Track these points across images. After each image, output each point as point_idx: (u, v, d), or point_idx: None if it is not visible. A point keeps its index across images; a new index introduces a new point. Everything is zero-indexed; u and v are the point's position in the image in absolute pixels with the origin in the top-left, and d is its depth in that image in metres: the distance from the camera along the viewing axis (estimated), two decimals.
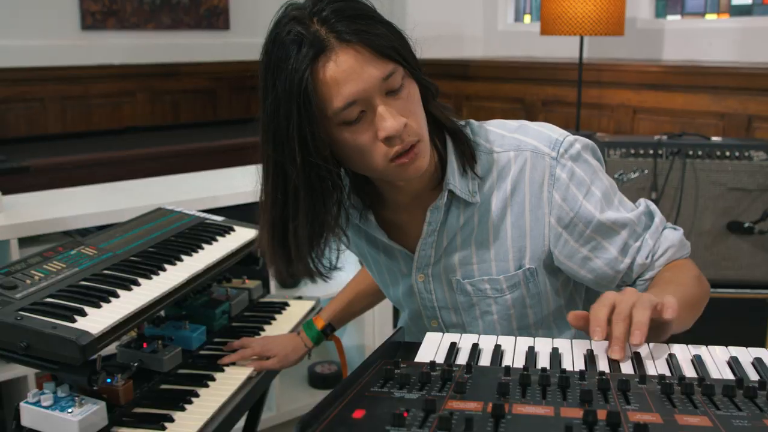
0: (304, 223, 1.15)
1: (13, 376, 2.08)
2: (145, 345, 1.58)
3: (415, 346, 0.95)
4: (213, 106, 5.15)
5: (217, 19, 5.02)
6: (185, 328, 1.70)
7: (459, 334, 0.98)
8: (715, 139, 2.97)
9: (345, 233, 1.28)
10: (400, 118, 1.07)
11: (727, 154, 2.82)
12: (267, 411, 2.57)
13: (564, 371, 0.78)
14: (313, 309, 1.99)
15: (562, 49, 4.13)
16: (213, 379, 1.56)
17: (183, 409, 1.44)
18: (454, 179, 1.22)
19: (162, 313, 1.76)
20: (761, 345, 2.88)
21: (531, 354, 0.91)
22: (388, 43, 1.07)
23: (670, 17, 3.99)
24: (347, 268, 2.80)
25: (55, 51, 4.51)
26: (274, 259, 1.23)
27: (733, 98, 3.33)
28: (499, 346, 0.94)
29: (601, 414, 0.64)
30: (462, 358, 0.91)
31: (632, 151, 2.87)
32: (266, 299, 2.03)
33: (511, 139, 1.24)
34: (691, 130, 3.32)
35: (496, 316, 1.30)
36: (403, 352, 0.92)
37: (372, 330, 2.86)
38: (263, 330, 1.82)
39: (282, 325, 1.87)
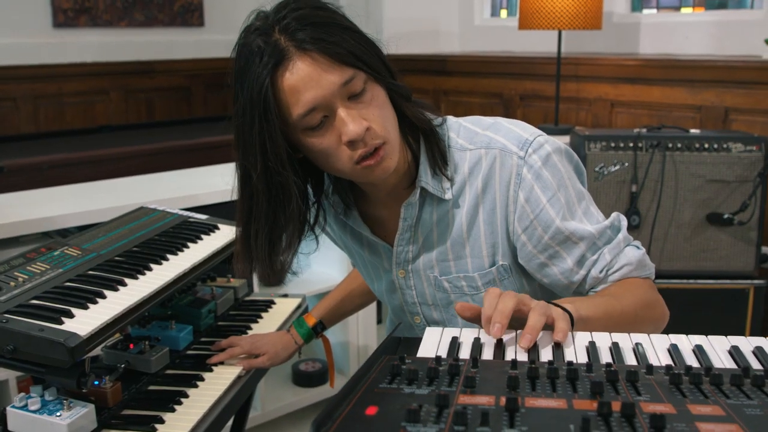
0: (263, 227, 1.19)
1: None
2: (131, 346, 1.55)
3: (416, 342, 0.94)
4: (188, 103, 5.11)
5: (191, 15, 4.98)
6: (172, 328, 1.67)
7: (459, 329, 0.98)
8: (693, 131, 3.00)
9: (314, 232, 1.32)
10: (362, 122, 1.10)
11: (706, 146, 2.85)
12: (252, 410, 2.55)
13: (571, 363, 0.78)
14: (299, 307, 1.98)
15: (539, 43, 4.14)
16: (202, 379, 1.54)
17: (173, 410, 1.42)
18: (427, 176, 1.23)
19: (147, 313, 1.74)
20: (741, 334, 2.91)
21: (534, 347, 0.91)
22: (346, 49, 1.09)
23: (646, 11, 4.02)
24: (334, 267, 2.79)
25: (27, 49, 4.44)
26: (237, 257, 1.28)
27: (710, 91, 3.36)
28: (501, 339, 0.94)
29: (615, 405, 0.64)
30: (465, 353, 0.90)
31: (612, 145, 2.89)
32: (251, 297, 2.01)
33: (482, 137, 1.25)
34: (669, 123, 3.35)
35: None
36: (404, 348, 0.91)
37: (356, 328, 2.85)
38: (250, 329, 1.81)
39: (269, 323, 1.85)
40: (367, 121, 1.11)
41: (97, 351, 1.61)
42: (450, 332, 0.97)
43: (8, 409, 1.30)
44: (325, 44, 1.07)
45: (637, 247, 1.28)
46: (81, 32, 4.65)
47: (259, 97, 1.08)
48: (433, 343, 0.93)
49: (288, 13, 1.09)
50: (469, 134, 1.26)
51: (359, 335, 2.86)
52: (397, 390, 0.70)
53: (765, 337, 0.91)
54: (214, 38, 4.98)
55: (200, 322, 1.76)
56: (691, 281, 2.90)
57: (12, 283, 1.37)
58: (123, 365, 1.48)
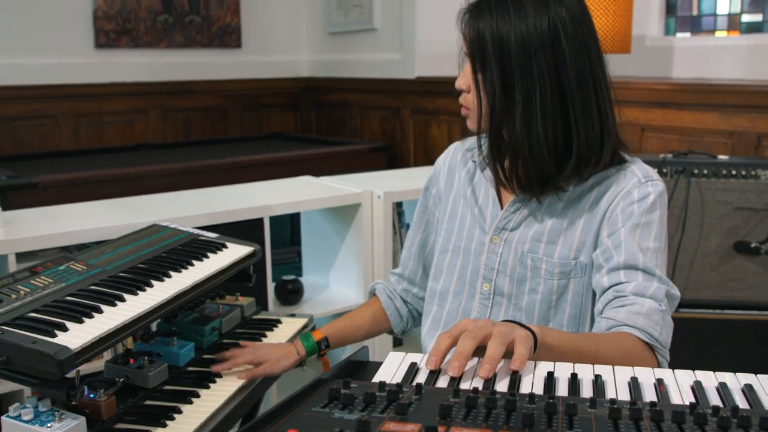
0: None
1: (9, 389, 2.09)
2: (131, 361, 1.58)
3: (377, 366, 0.94)
4: (224, 123, 5.19)
5: (229, 37, 5.07)
6: (173, 344, 1.70)
7: (421, 355, 0.98)
8: (721, 157, 2.94)
9: None
10: (460, 81, 1.49)
11: (734, 172, 2.79)
12: None
13: (513, 394, 0.77)
14: (305, 327, 1.99)
15: None
16: (197, 396, 1.56)
17: (164, 425, 1.43)
18: None
19: (154, 328, 1.77)
20: None
21: (491, 377, 0.90)
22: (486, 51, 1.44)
23: (679, 35, 3.97)
24: (351, 288, 2.80)
25: (69, 69, 4.58)
26: None
27: (743, 116, 3.30)
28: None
29: None
30: (420, 379, 0.90)
31: None
32: (260, 316, 2.03)
33: (623, 162, 1.43)
34: (700, 149, 3.29)
35: (539, 296, 1.42)
36: (363, 372, 0.91)
37: (372, 350, 2.84)
38: None
39: (272, 342, 1.86)
40: (465, 86, 1.46)
41: (101, 366, 1.65)
42: (411, 357, 0.96)
43: (3, 418, 1.33)
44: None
45: (661, 306, 1.26)
46: (122, 53, 4.77)
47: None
48: (392, 368, 0.93)
49: None
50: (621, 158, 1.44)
51: (375, 351, 2.85)
52: (327, 415, 0.70)
53: None
54: (251, 59, 5.07)
55: (203, 338, 1.78)
56: (717, 311, 2.84)
57: (13, 296, 1.41)
58: (122, 379, 1.51)
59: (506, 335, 0.95)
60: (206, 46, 5.01)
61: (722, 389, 0.85)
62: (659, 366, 1.21)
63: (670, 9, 3.98)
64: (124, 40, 4.76)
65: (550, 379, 0.88)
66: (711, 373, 0.90)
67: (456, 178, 1.63)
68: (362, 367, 0.93)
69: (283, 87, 5.07)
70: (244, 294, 2.06)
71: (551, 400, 0.74)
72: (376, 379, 0.89)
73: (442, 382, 0.89)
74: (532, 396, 0.77)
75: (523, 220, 1.46)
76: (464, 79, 1.46)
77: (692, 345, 2.82)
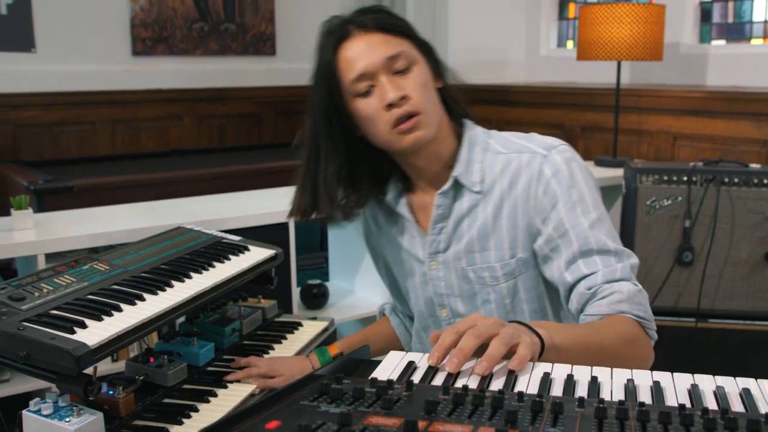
0: (331, 168, 1.43)
1: (37, 387, 2.14)
2: (152, 360, 1.60)
3: (374, 364, 0.95)
4: (258, 130, 5.25)
5: (263, 45, 5.14)
6: (194, 344, 1.72)
7: (421, 354, 0.98)
8: (753, 166, 2.90)
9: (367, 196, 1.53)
10: (399, 90, 1.31)
11: (765, 181, 2.75)
12: None
13: (501, 392, 0.77)
14: (326, 330, 2.00)
15: (604, 74, 4.09)
16: (215, 395, 1.57)
17: (180, 423, 1.45)
18: (462, 169, 1.40)
19: (177, 328, 1.80)
20: None
21: (486, 375, 0.90)
22: (398, 26, 1.35)
23: (714, 42, 3.92)
24: (376, 292, 2.80)
25: (107, 76, 4.68)
26: (302, 201, 1.50)
27: None
28: None
29: None
30: (417, 377, 0.90)
31: (665, 178, 2.83)
32: (281, 319, 2.05)
33: (516, 144, 1.41)
34: (732, 157, 3.25)
35: (494, 305, 1.42)
36: (362, 370, 0.92)
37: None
38: (272, 349, 1.84)
39: (292, 344, 1.88)
40: (405, 91, 1.31)
41: (121, 366, 1.68)
42: (410, 356, 0.97)
43: (24, 413, 1.37)
44: (382, 22, 1.33)
45: (635, 284, 1.28)
46: (158, 60, 4.86)
47: (326, 67, 1.34)
48: (390, 366, 0.93)
49: (356, 12, 1.37)
50: (506, 142, 1.42)
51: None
52: (314, 408, 0.72)
53: None
54: (285, 67, 5.12)
55: (223, 339, 1.80)
56: (747, 322, 2.79)
57: (36, 294, 1.45)
58: (141, 377, 1.54)
59: (511, 337, 0.95)
60: (241, 54, 5.08)
61: (719, 393, 0.85)
62: (651, 340, 1.26)
63: (705, 16, 3.93)
64: (161, 48, 4.85)
65: (545, 380, 0.88)
66: (710, 377, 0.90)
67: (382, 225, 1.62)
68: (361, 365, 0.95)
69: None
70: (267, 297, 2.08)
71: (539, 399, 0.74)
72: (373, 376, 0.90)
73: (438, 381, 0.90)
74: (521, 394, 0.77)
75: (451, 238, 1.45)
76: (408, 82, 1.34)
77: (722, 356, 2.78)
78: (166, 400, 1.54)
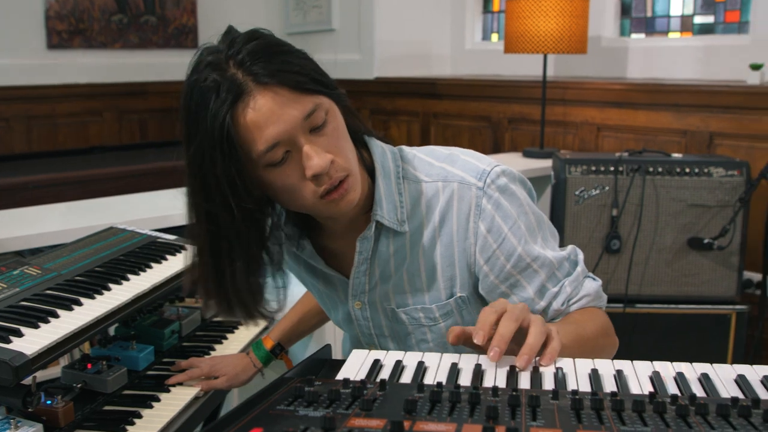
0: (242, 268, 1.16)
1: None
2: (89, 366, 1.55)
3: (341, 364, 0.94)
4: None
5: (185, 38, 5.02)
6: (132, 348, 1.68)
7: (385, 352, 0.98)
8: (675, 155, 3.01)
9: (281, 267, 1.28)
10: (326, 156, 1.07)
11: (687, 170, 2.86)
12: None
13: (477, 387, 0.77)
14: (266, 328, 1.98)
15: (528, 67, 4.16)
16: (158, 400, 1.54)
17: (124, 431, 1.41)
18: (382, 209, 1.21)
19: (111, 332, 1.74)
20: (723, 360, 2.90)
21: (453, 370, 0.91)
22: (306, 77, 1.07)
23: (634, 36, 4.04)
24: (293, 290, 2.77)
25: (21, 70, 4.48)
26: (213, 305, 1.22)
27: (695, 115, 3.37)
28: (422, 362, 0.94)
29: (500, 430, 0.64)
30: (383, 375, 0.90)
31: (593, 168, 2.90)
32: (220, 318, 2.01)
33: (438, 169, 1.25)
34: (654, 147, 3.36)
35: (431, 344, 1.31)
36: (326, 370, 0.91)
37: (333, 344, 2.83)
38: (213, 350, 1.81)
39: (233, 344, 1.85)
40: (331, 153, 1.09)
41: (58, 371, 1.62)
42: (375, 354, 0.97)
43: None
44: (285, 75, 1.05)
45: (594, 279, 1.30)
46: (75, 54, 4.69)
47: (221, 135, 1.03)
48: (355, 366, 0.92)
49: (241, 47, 1.06)
50: (425, 166, 1.26)
51: (335, 351, 2.84)
52: (291, 412, 0.70)
53: (747, 362, 0.90)
54: None
55: (163, 342, 1.76)
56: (672, 306, 2.89)
57: None
58: (79, 385, 1.49)
59: (544, 324, 0.97)
60: (162, 47, 4.95)
61: (680, 379, 0.87)
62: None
63: (624, 10, 4.05)
64: (78, 41, 4.67)
65: (512, 373, 0.89)
66: (668, 363, 0.92)
67: (292, 256, 1.41)
68: (325, 365, 0.93)
69: None
70: None
71: (514, 393, 0.75)
72: (340, 376, 0.89)
73: (406, 378, 0.89)
74: (495, 389, 0.77)
75: (376, 278, 1.29)
76: (329, 140, 1.10)
77: (649, 339, 2.88)
78: (107, 408, 1.50)
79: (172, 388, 1.59)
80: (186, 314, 1.89)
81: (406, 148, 1.29)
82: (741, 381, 0.86)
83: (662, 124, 3.48)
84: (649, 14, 4.00)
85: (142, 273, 1.67)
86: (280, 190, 1.12)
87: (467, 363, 0.93)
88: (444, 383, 0.79)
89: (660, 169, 2.87)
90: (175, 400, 1.55)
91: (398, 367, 0.91)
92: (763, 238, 2.99)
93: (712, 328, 2.89)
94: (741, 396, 0.82)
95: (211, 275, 1.17)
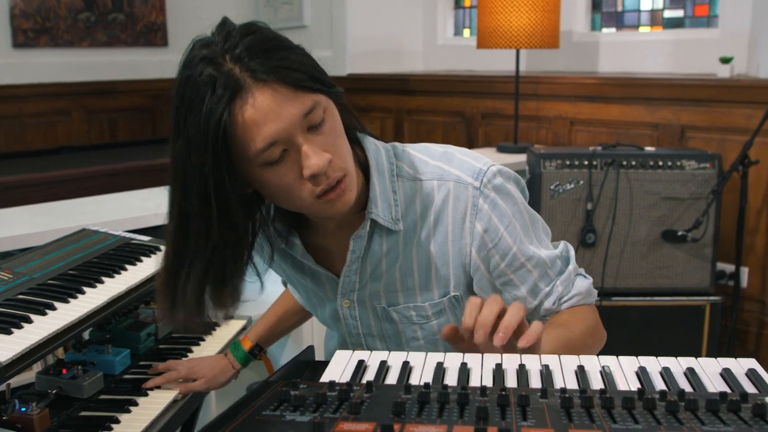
0: (200, 271, 1.11)
1: None
2: (64, 371, 1.52)
3: (324, 366, 0.93)
4: (152, 124, 5.07)
5: (154, 35, 4.96)
6: (108, 352, 1.65)
7: (368, 352, 0.97)
8: (648, 149, 3.03)
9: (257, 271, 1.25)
10: (324, 155, 1.04)
11: (660, 163, 2.88)
12: None
13: (464, 388, 0.77)
14: (244, 329, 1.96)
15: (501, 62, 4.17)
16: (135, 404, 1.51)
17: None
18: (377, 207, 1.19)
19: (86, 336, 1.71)
20: (698, 352, 2.93)
21: (439, 370, 0.90)
22: (306, 75, 1.04)
23: (605, 30, 4.06)
24: (268, 289, 2.75)
25: None
26: (167, 308, 1.19)
27: (666, 109, 3.40)
28: (408, 363, 0.93)
29: (492, 431, 0.63)
30: (368, 377, 0.89)
31: (567, 163, 2.91)
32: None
33: (434, 168, 1.23)
34: (627, 141, 3.38)
35: (422, 341, 1.30)
36: (309, 372, 0.90)
37: (311, 340, 2.82)
38: (191, 351, 1.78)
39: (211, 345, 1.83)
40: (328, 152, 1.05)
41: (32, 376, 1.59)
42: (359, 355, 0.95)
43: None
44: (284, 72, 1.01)
45: (585, 277, 1.30)
46: (41, 52, 4.61)
47: (216, 133, 0.99)
48: (339, 367, 0.91)
49: (238, 41, 1.02)
50: (420, 164, 1.24)
51: (315, 352, 2.83)
52: (278, 417, 0.69)
53: (722, 352, 0.90)
54: (178, 58, 4.94)
55: (139, 345, 1.73)
56: (647, 299, 2.92)
57: None
58: (55, 391, 1.46)
59: (522, 310, 0.98)
60: (131, 45, 4.88)
61: (666, 374, 0.87)
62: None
63: (595, 5, 4.07)
64: (44, 39, 4.59)
65: (498, 371, 0.88)
66: (653, 358, 0.92)
67: (279, 253, 1.37)
68: (309, 367, 0.92)
69: None
70: None
71: (503, 392, 0.74)
72: (325, 378, 0.88)
73: (391, 379, 0.88)
74: (483, 389, 0.76)
75: (366, 277, 1.26)
76: (327, 138, 1.07)
77: (624, 331, 2.90)
78: (84, 413, 1.47)
79: (149, 392, 1.56)
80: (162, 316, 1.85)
81: (399, 145, 1.27)
82: (726, 375, 0.87)
83: (634, 117, 3.51)
84: (619, 9, 4.03)
85: (117, 275, 1.64)
86: (276, 189, 1.09)
87: (453, 362, 0.92)
88: (431, 383, 0.78)
89: (633, 163, 2.89)
90: (153, 404, 1.52)
91: (383, 367, 0.90)
92: (736, 229, 3.03)
93: (686, 320, 2.92)
94: (727, 390, 0.82)
95: (171, 277, 1.15)
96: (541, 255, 1.22)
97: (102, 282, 1.57)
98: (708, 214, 2.80)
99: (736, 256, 3.05)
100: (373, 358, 0.94)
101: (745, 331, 3.27)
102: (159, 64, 4.96)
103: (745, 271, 3.20)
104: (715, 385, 0.85)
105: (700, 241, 2.85)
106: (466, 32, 4.68)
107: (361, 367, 0.90)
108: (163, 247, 1.88)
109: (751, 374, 0.87)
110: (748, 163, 2.90)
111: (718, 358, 0.91)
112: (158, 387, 1.57)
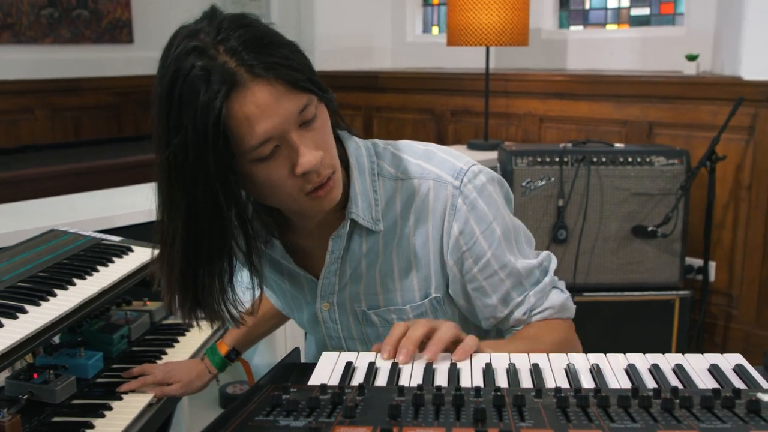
0: (215, 269, 1.10)
1: None
2: (35, 376, 1.49)
3: (310, 368, 0.91)
4: (117, 122, 4.99)
5: (120, 32, 4.88)
6: (80, 355, 1.61)
7: (356, 353, 0.95)
8: (617, 145, 3.06)
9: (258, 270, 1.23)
10: (317, 152, 1.03)
11: (630, 160, 2.91)
12: None
13: (459, 389, 0.76)
14: (217, 330, 1.93)
15: (471, 59, 4.18)
16: (110, 408, 1.48)
17: None
18: (357, 207, 1.17)
19: (56, 340, 1.67)
20: (668, 345, 2.97)
21: (429, 371, 0.89)
22: (302, 74, 1.02)
23: (573, 28, 4.09)
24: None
25: None
26: (184, 308, 1.16)
27: (634, 106, 3.43)
28: (396, 364, 0.92)
29: None
30: (358, 379, 0.87)
31: (538, 159, 2.92)
32: (169, 321, 1.95)
33: (415, 166, 1.20)
34: (596, 137, 3.41)
35: None
36: (296, 375, 0.88)
37: (284, 348, 2.80)
38: (165, 354, 1.75)
39: (185, 347, 1.79)
40: (320, 149, 1.04)
41: (0, 382, 1.54)
42: (346, 357, 0.94)
43: None
44: (282, 70, 0.99)
45: (562, 291, 1.27)
46: (3, 49, 4.51)
47: (215, 128, 0.96)
48: (326, 370, 0.90)
49: (230, 33, 0.98)
50: (400, 163, 1.21)
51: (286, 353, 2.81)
52: (272, 423, 0.67)
53: (690, 346, 0.90)
54: (144, 55, 4.88)
55: (112, 348, 1.70)
56: (618, 294, 2.94)
57: None
58: (26, 396, 1.42)
59: (455, 327, 0.96)
60: (96, 42, 4.80)
61: (655, 371, 0.87)
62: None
63: (562, 3, 4.10)
64: (6, 36, 4.49)
65: (488, 370, 0.88)
66: (642, 355, 0.92)
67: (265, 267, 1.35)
68: (296, 370, 0.90)
69: None
70: (153, 299, 1.98)
71: (498, 393, 0.73)
72: (313, 381, 0.86)
73: (381, 380, 0.87)
74: (477, 389, 0.76)
75: (346, 278, 1.24)
76: (318, 135, 1.06)
77: (595, 326, 2.92)
78: (57, 419, 1.44)
79: (124, 396, 1.53)
80: (135, 318, 1.83)
81: (380, 143, 1.25)
82: (715, 371, 0.87)
83: (603, 114, 3.54)
84: (586, 6, 4.06)
85: (89, 277, 1.61)
86: (263, 185, 1.06)
87: (441, 363, 0.91)
88: (422, 384, 0.77)
89: (604, 159, 2.91)
90: (128, 408, 1.49)
91: (372, 369, 0.89)
92: (704, 224, 3.07)
93: (656, 314, 2.95)
94: (717, 386, 0.82)
95: (181, 275, 1.10)
96: (516, 265, 1.19)
97: (74, 284, 1.54)
98: (677, 209, 2.83)
99: (704, 251, 3.09)
100: (360, 360, 0.92)
101: (713, 325, 3.32)
102: (125, 61, 4.88)
103: (712, 266, 3.25)
104: (704, 381, 0.85)
105: (669, 236, 2.88)
106: (435, 30, 4.68)
107: (349, 369, 0.89)
108: (134, 247, 1.85)
109: (739, 369, 0.87)
110: (715, 159, 2.94)
111: (705, 354, 0.91)
112: (133, 391, 1.54)
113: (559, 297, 1.25)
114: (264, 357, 2.83)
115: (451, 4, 3.47)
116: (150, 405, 1.52)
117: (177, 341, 1.81)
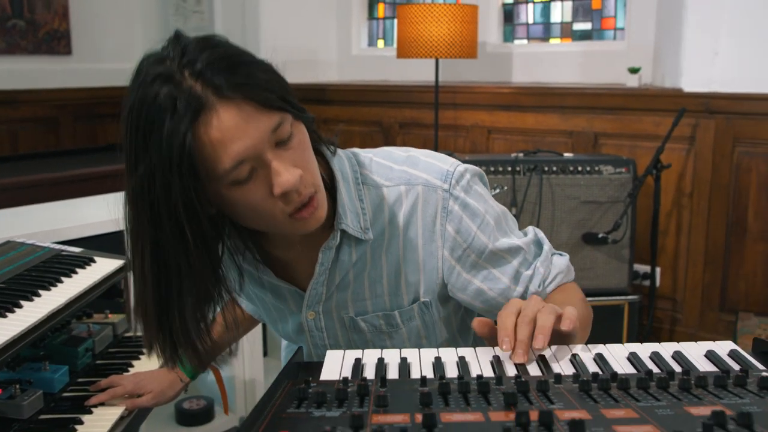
0: (189, 304, 1.06)
1: None
2: (0, 391, 1.43)
3: (318, 366, 0.90)
4: (56, 135, 4.85)
5: (57, 43, 4.75)
6: (45, 369, 1.56)
7: (360, 351, 0.95)
8: (567, 155, 3.13)
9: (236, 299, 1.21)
10: (295, 171, 0.99)
11: (579, 169, 2.97)
12: None
13: (481, 377, 0.76)
14: None
15: (416, 72, 4.22)
16: (81, 423, 1.43)
17: None
18: (346, 218, 1.16)
19: (18, 354, 1.61)
20: None
21: (438, 364, 0.89)
22: (272, 93, 0.98)
23: (516, 41, 4.18)
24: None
25: None
26: (157, 347, 1.14)
27: (580, 117, 3.52)
28: (405, 358, 0.92)
29: (533, 415, 0.63)
30: (369, 373, 0.87)
31: (492, 169, 2.97)
32: (131, 333, 1.91)
33: (399, 173, 1.20)
34: (544, 148, 3.48)
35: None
36: (306, 373, 0.87)
37: (242, 362, 2.76)
38: (132, 366, 1.71)
39: (152, 360, 1.75)
40: (299, 168, 1.00)
41: None
42: (353, 354, 0.94)
43: None
44: (250, 90, 0.95)
45: (561, 255, 1.31)
46: None
47: (180, 155, 0.92)
48: (335, 366, 0.89)
49: (197, 56, 0.95)
50: (384, 170, 1.21)
51: (245, 369, 2.77)
52: (306, 414, 0.66)
53: None
54: (83, 67, 4.77)
55: (77, 361, 1.65)
56: None
57: None
58: None
59: (556, 309, 0.97)
60: (32, 53, 4.65)
61: (656, 358, 0.90)
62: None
63: (507, 17, 4.18)
64: None
65: (498, 362, 0.89)
66: (640, 344, 0.95)
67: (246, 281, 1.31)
68: (306, 368, 0.90)
69: (118, 96, 4.60)
70: (115, 311, 1.93)
71: (522, 379, 0.74)
72: (324, 377, 0.86)
73: (392, 374, 0.87)
74: (499, 378, 0.76)
75: (334, 288, 1.23)
76: (296, 154, 1.02)
77: None
78: None
79: (94, 409, 1.49)
80: (98, 331, 1.78)
81: (360, 152, 1.25)
82: (711, 356, 0.90)
83: (549, 125, 3.62)
84: (530, 21, 4.15)
85: (53, 288, 1.56)
86: (245, 209, 1.03)
87: (448, 356, 0.92)
88: (433, 376, 0.77)
89: (554, 168, 2.97)
90: (100, 421, 1.45)
91: (382, 364, 0.89)
92: (651, 231, 3.17)
93: (607, 319, 3.01)
94: (716, 370, 0.85)
95: (156, 311, 1.07)
96: (516, 243, 1.22)
97: (38, 295, 1.49)
98: (627, 215, 2.91)
99: (651, 257, 3.18)
100: (368, 356, 0.92)
101: (659, 329, 3.41)
102: (62, 73, 4.75)
103: (658, 271, 3.35)
104: (703, 366, 0.87)
105: (619, 242, 2.96)
106: (380, 43, 4.72)
107: (359, 364, 0.88)
108: (96, 258, 1.80)
109: (734, 354, 0.90)
110: (660, 168, 3.04)
111: (699, 342, 0.94)
112: (102, 404, 1.50)
113: (562, 260, 1.29)
114: (223, 371, 2.78)
115: (401, 16, 3.51)
116: (122, 418, 1.48)
117: (143, 353, 1.77)
